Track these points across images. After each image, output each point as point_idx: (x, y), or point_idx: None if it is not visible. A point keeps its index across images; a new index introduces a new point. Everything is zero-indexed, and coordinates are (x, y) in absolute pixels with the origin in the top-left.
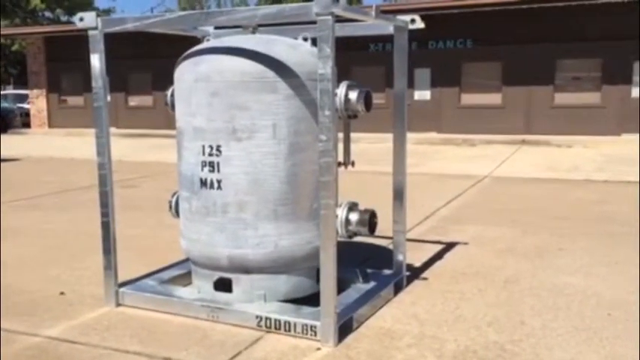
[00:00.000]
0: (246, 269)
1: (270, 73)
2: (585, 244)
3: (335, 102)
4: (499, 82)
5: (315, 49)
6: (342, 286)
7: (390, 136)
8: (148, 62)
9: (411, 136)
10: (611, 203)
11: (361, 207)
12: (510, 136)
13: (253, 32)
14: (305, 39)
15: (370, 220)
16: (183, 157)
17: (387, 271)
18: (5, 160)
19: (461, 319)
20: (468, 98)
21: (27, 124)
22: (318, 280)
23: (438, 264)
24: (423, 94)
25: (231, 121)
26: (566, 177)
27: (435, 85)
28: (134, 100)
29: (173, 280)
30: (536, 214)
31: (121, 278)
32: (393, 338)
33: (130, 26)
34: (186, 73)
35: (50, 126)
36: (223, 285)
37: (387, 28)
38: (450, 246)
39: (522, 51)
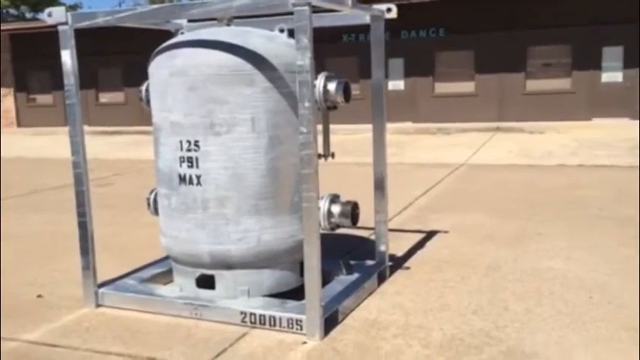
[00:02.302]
0: (228, 265)
1: (247, 66)
2: (563, 228)
3: (314, 93)
4: (472, 70)
5: (292, 41)
6: (325, 279)
7: (366, 127)
8: (117, 58)
9: (386, 126)
10: (586, 187)
11: (343, 199)
12: (484, 124)
13: (228, 24)
14: (281, 30)
15: (352, 212)
16: (160, 154)
17: (370, 262)
18: None
19: (445, 307)
20: (442, 87)
21: None
22: (302, 274)
23: (419, 253)
24: (396, 84)
25: (209, 115)
26: (541, 163)
27: (408, 74)
28: (105, 97)
29: (153, 279)
30: (513, 200)
31: (99, 279)
32: (379, 329)
33: (100, 21)
34: (161, 67)
35: (19, 125)
36: (206, 282)
37: (364, 17)
38: (430, 235)
39: (494, 39)
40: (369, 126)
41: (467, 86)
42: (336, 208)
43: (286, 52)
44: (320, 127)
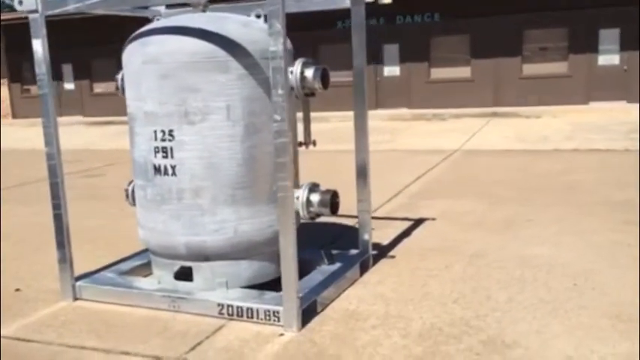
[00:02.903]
0: (205, 256)
1: (221, 53)
2: (554, 214)
3: (290, 80)
4: (468, 55)
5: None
6: (307, 269)
7: None
8: (112, 48)
9: (381, 113)
10: (579, 172)
11: (323, 187)
12: (480, 109)
13: (204, 11)
14: (258, 16)
15: (332, 201)
16: (135, 144)
17: (354, 251)
18: None
19: (427, 296)
20: (438, 72)
21: None
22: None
23: (405, 241)
24: (392, 70)
25: (183, 103)
26: (536, 147)
27: (403, 60)
28: (99, 87)
29: (133, 271)
30: (505, 186)
31: (84, 270)
32: (358, 320)
33: (71, 8)
34: (135, 55)
35: (14, 116)
36: (184, 274)
37: (344, 1)
38: (418, 222)
39: (490, 23)
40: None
41: (463, 71)
42: (315, 197)
43: (262, 38)
44: (301, 114)
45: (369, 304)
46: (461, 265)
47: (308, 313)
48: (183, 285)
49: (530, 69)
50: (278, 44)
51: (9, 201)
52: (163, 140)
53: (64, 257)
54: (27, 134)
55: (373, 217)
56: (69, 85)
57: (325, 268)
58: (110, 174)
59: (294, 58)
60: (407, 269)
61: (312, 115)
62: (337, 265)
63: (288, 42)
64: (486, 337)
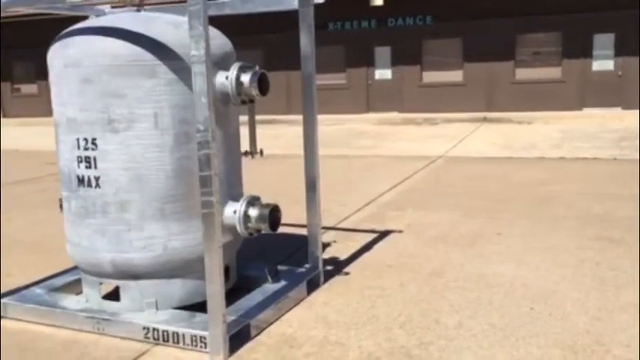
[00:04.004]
0: (133, 275)
1: (147, 56)
2: (525, 228)
3: (226, 86)
4: (460, 59)
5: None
6: (251, 286)
7: (351, 117)
8: None
9: (372, 117)
10: (560, 182)
11: (264, 201)
12: (472, 114)
13: (138, 11)
14: None
15: (270, 216)
16: (59, 152)
17: (306, 266)
18: None
19: (373, 319)
20: (430, 76)
21: None
22: None
23: (365, 256)
24: (383, 73)
25: (106, 110)
26: (521, 155)
27: (395, 63)
28: None
29: (66, 288)
30: (480, 196)
31: (28, 281)
32: (292, 346)
33: None
34: (56, 57)
35: (5, 116)
36: (112, 293)
37: (292, 3)
38: (382, 235)
39: (483, 26)
40: (354, 116)
41: (455, 75)
42: (253, 212)
43: None
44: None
45: (308, 329)
46: (416, 284)
47: (240, 337)
48: (110, 305)
49: (523, 74)
50: (200, 48)
51: None
52: (86, 149)
53: None
54: (13, 134)
55: (339, 229)
56: None
57: (268, 287)
58: None
59: (234, 62)
60: (358, 288)
61: (301, 117)
62: (282, 283)
63: (228, 44)
64: None
